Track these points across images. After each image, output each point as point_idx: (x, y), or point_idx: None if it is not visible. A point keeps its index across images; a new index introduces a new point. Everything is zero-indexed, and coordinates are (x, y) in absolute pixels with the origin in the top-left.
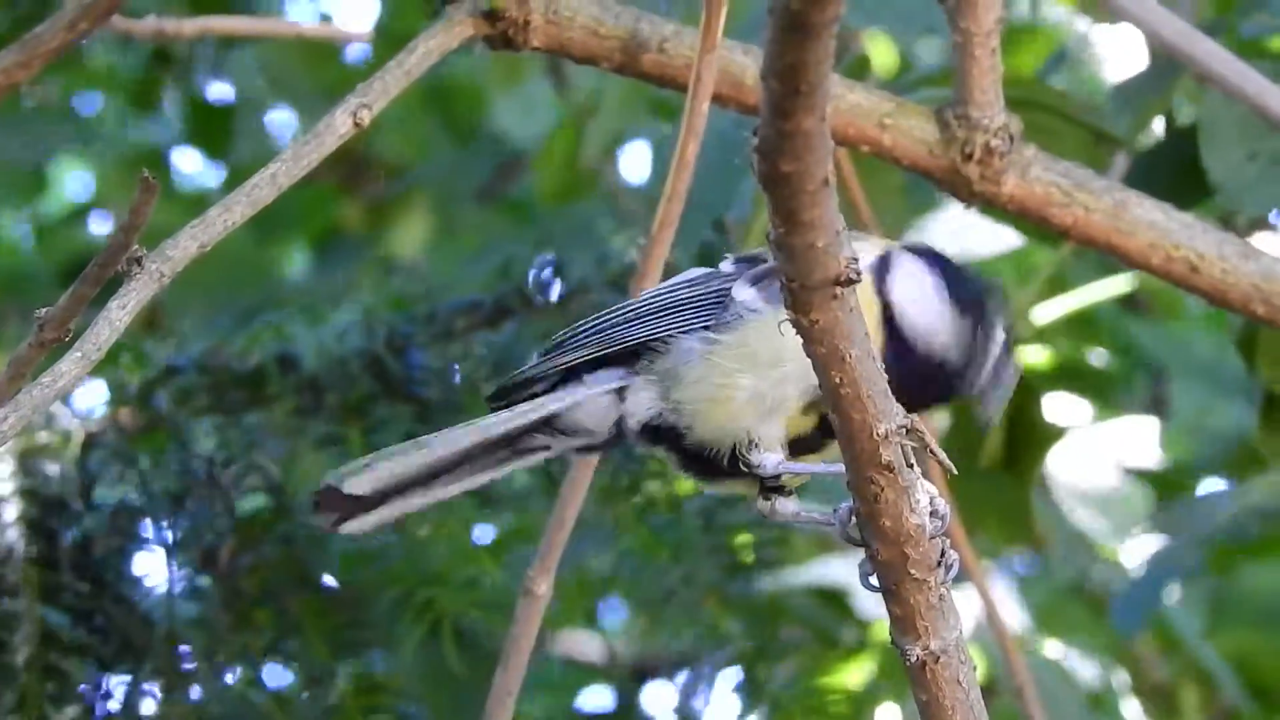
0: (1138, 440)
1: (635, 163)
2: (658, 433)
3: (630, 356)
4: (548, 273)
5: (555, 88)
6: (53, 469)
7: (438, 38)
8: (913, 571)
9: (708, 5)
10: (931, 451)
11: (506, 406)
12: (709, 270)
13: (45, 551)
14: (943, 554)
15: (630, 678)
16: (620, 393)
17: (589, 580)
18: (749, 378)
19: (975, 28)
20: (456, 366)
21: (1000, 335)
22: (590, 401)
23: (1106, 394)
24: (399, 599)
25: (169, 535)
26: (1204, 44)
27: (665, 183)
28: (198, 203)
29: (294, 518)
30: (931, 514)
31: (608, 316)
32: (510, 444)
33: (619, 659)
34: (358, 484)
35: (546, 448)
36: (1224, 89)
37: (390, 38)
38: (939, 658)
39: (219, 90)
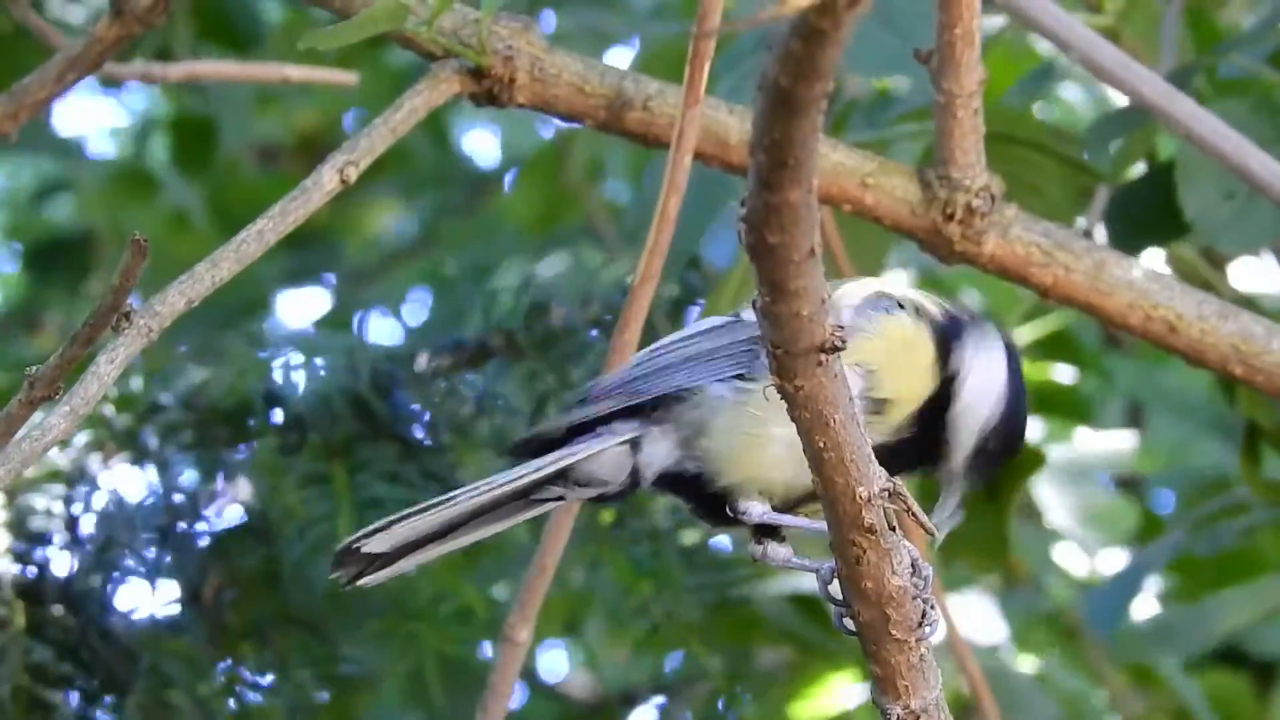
0: (1119, 454)
1: (618, 184)
2: (675, 481)
3: (646, 407)
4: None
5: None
6: (39, 503)
7: (424, 95)
8: (894, 632)
9: (691, 61)
10: (914, 515)
11: (526, 457)
12: (729, 318)
13: (31, 584)
14: (924, 615)
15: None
16: (635, 443)
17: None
18: (782, 428)
19: (958, 89)
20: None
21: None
22: (604, 453)
23: (1084, 415)
24: (381, 633)
25: (154, 569)
26: (1183, 103)
27: (648, 234)
28: (179, 219)
29: (277, 553)
30: (913, 575)
31: (628, 370)
32: (524, 495)
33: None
34: (377, 544)
35: (560, 498)
36: (1202, 147)
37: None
38: (919, 717)
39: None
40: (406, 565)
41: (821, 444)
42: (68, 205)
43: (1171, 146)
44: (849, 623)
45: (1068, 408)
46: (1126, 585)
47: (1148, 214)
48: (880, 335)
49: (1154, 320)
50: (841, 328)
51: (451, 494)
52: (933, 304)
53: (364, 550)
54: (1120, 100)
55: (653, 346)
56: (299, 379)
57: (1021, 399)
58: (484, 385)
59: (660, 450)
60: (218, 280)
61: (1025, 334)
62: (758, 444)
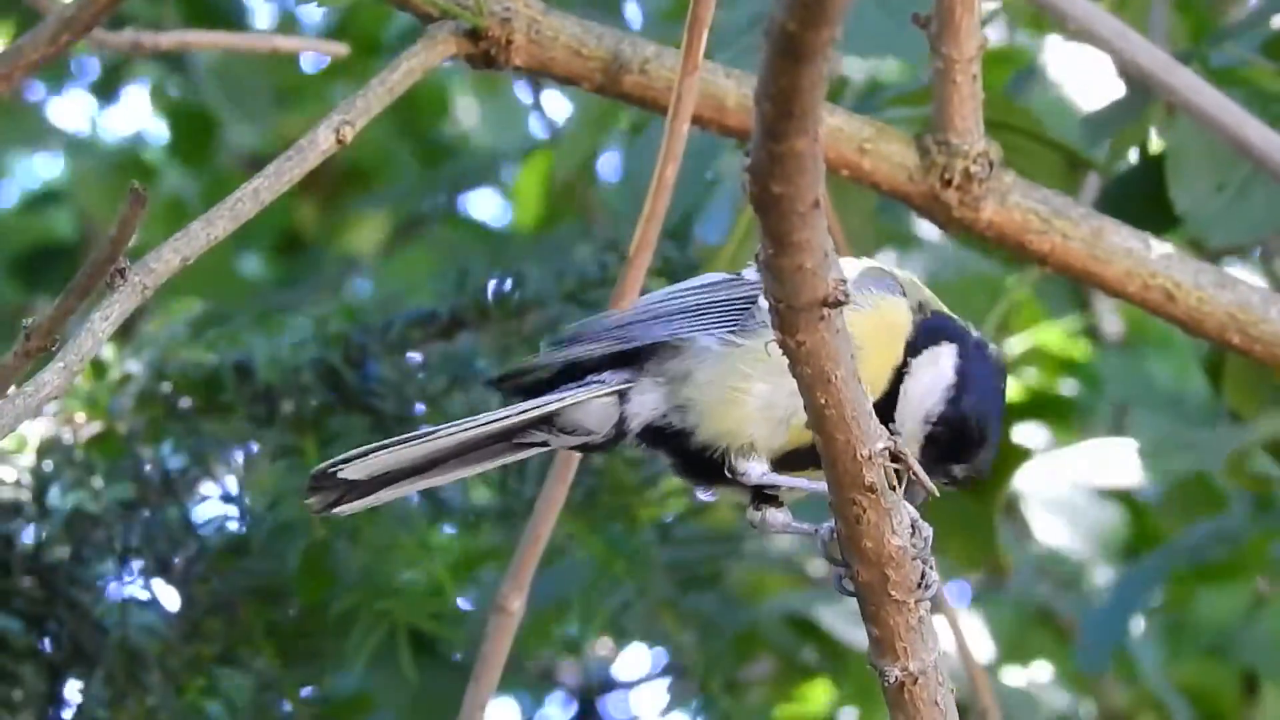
0: (1108, 462)
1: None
2: (659, 435)
3: (636, 357)
4: (504, 285)
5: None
6: (7, 473)
7: (420, 56)
8: (893, 593)
9: (689, 28)
10: (914, 474)
11: (508, 389)
12: (730, 276)
13: None
14: (923, 576)
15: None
16: (623, 394)
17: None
18: (764, 384)
19: (957, 54)
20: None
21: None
22: (592, 401)
23: (1070, 421)
24: (352, 610)
25: (123, 542)
26: (1182, 74)
27: (644, 203)
28: (176, 208)
29: (248, 527)
30: (913, 535)
31: (623, 315)
32: (508, 437)
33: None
34: (353, 471)
35: (544, 444)
36: (1201, 119)
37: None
38: (917, 679)
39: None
40: (383, 497)
41: (823, 401)
42: (60, 214)
43: (1163, 139)
44: (848, 584)
45: (1056, 415)
46: (1123, 607)
47: (1139, 206)
48: (876, 310)
49: (1152, 288)
50: (844, 281)
51: (433, 428)
52: (932, 300)
53: (340, 476)
54: (1112, 94)
55: (650, 296)
56: (270, 349)
57: (982, 394)
58: (456, 357)
59: (648, 402)
60: (213, 238)
61: (1016, 344)
62: (737, 399)
